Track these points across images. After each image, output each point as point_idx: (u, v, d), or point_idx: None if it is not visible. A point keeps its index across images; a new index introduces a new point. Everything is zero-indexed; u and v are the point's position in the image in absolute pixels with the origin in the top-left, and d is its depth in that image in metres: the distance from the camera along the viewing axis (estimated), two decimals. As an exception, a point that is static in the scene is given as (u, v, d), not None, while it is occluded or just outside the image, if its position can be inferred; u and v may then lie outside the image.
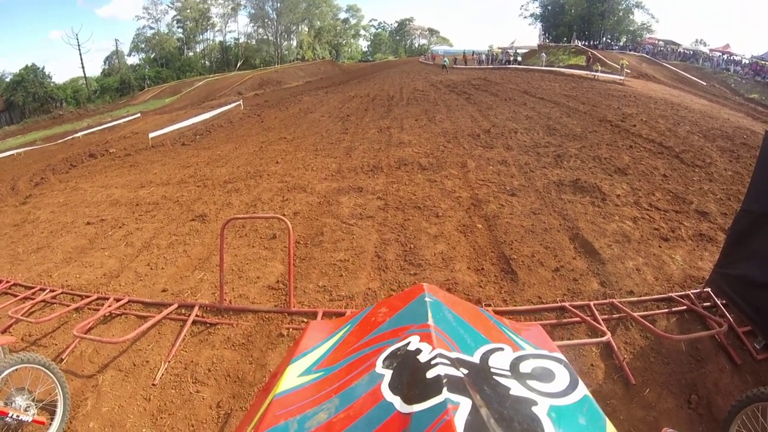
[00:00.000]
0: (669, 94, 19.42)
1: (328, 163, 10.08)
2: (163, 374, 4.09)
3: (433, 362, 1.22)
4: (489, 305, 4.40)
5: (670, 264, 5.05)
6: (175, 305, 5.01)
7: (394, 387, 1.21)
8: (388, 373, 1.27)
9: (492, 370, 1.27)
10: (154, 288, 5.56)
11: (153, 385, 4.00)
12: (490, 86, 23.16)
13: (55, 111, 50.29)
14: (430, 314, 1.42)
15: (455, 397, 1.11)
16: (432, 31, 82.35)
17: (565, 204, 6.76)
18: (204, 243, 6.62)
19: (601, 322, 4.12)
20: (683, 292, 4.54)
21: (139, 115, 30.74)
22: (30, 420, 3.36)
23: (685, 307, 4.31)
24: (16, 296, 5.60)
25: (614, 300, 4.43)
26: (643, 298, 4.53)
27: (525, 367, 1.32)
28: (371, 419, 1.15)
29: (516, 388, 1.21)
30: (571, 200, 6.88)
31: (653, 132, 10.93)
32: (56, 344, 4.65)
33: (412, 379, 1.20)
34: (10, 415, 3.25)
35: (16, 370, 3.43)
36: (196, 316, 4.83)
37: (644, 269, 4.96)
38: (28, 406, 3.41)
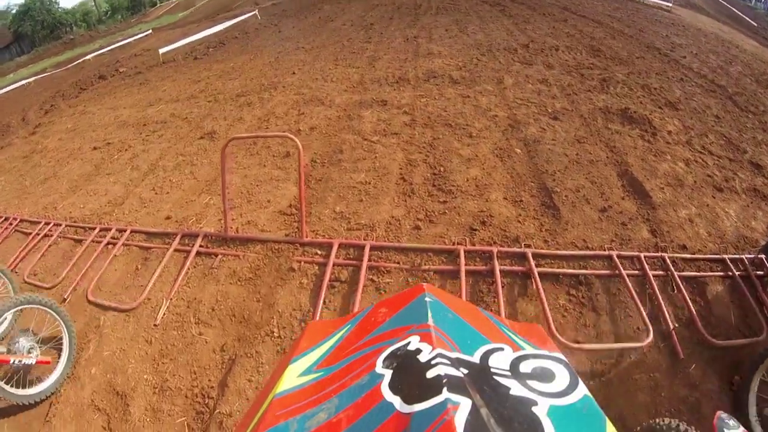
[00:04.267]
0: (719, 29, 17.60)
1: (350, 73, 9.26)
2: (164, 313, 3.92)
3: (433, 362, 1.24)
4: (529, 245, 4.08)
5: (723, 219, 4.65)
6: (179, 236, 4.65)
7: (394, 387, 1.24)
8: (388, 373, 1.29)
9: (492, 370, 1.29)
10: (158, 215, 5.39)
11: (155, 325, 3.96)
12: (538, 6, 21.05)
13: (65, 36, 49.42)
14: (430, 314, 1.43)
15: (455, 397, 1.12)
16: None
17: (613, 134, 6.04)
18: (212, 163, 6.27)
19: (652, 279, 3.75)
20: (737, 255, 4.13)
21: (150, 31, 29.33)
22: (33, 362, 3.45)
23: (738, 273, 3.90)
24: (23, 233, 5.64)
25: (666, 254, 4.04)
26: (696, 256, 4.12)
27: (525, 367, 1.33)
28: (371, 419, 1.17)
29: (516, 388, 1.23)
30: (619, 131, 6.16)
31: (704, 67, 9.87)
32: (60, 282, 4.65)
33: (412, 379, 1.23)
34: (11, 362, 3.36)
35: (21, 310, 3.55)
36: (200, 246, 4.48)
37: (697, 221, 4.60)
38: (32, 348, 3.50)
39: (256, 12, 22.72)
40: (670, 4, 20.32)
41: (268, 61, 11.88)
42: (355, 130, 6.35)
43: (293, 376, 1.41)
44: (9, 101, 18.90)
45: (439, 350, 1.27)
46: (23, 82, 22.82)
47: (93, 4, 56.43)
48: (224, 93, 9.37)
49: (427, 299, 1.49)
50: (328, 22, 17.94)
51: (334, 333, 1.61)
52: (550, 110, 6.70)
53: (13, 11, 51.96)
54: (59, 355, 3.60)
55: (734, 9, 29.00)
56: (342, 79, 8.89)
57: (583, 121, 6.32)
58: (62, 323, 3.63)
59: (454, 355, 1.29)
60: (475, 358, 1.32)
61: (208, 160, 6.28)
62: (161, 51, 15.94)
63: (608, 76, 8.33)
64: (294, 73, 9.92)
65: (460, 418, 1.05)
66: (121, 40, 28.46)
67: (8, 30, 50.70)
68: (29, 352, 3.42)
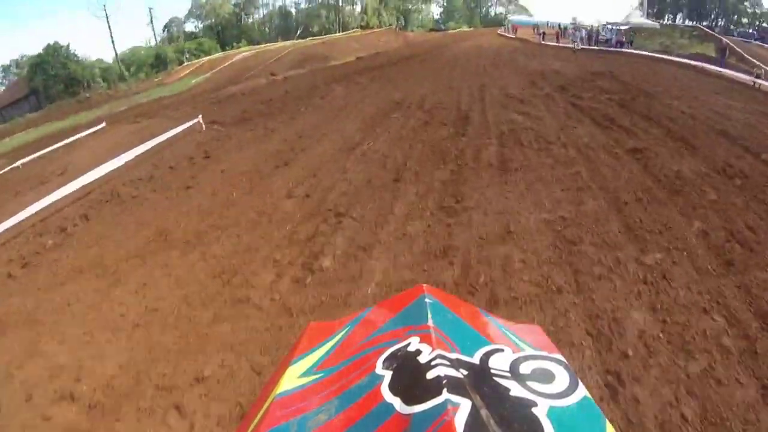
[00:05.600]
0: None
1: None
2: None
3: (432, 363, 1.23)
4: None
5: None
6: None
7: (393, 388, 1.22)
8: (388, 374, 1.27)
9: (492, 371, 1.26)
10: None
11: None
12: (637, 102, 13.26)
13: (82, 94, 45.99)
14: (429, 315, 1.41)
15: (455, 398, 1.11)
16: (510, -2, 73.26)
17: None
18: None
19: None
20: None
21: (104, 125, 23.24)
22: None
23: None
24: None
25: None
26: None
27: (525, 368, 1.31)
28: (371, 420, 1.16)
29: (516, 389, 1.20)
30: None
31: None
32: None
33: (412, 380, 1.21)
34: None
35: None
36: None
37: None
38: None
39: (200, 119, 15.74)
40: (762, 82, 17.10)
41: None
42: None
43: (293, 377, 1.40)
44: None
45: (438, 351, 1.28)
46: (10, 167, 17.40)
47: (116, 58, 52.71)
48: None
49: (427, 300, 1.48)
50: (300, 153, 11.13)
51: (334, 334, 1.59)
52: None
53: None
54: None
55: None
56: None
57: None
58: None
59: (453, 356, 1.29)
60: (475, 359, 1.31)
61: None
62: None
63: None
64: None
65: (460, 419, 1.05)
66: (81, 131, 22.86)
67: (25, 82, 47.07)
68: None
